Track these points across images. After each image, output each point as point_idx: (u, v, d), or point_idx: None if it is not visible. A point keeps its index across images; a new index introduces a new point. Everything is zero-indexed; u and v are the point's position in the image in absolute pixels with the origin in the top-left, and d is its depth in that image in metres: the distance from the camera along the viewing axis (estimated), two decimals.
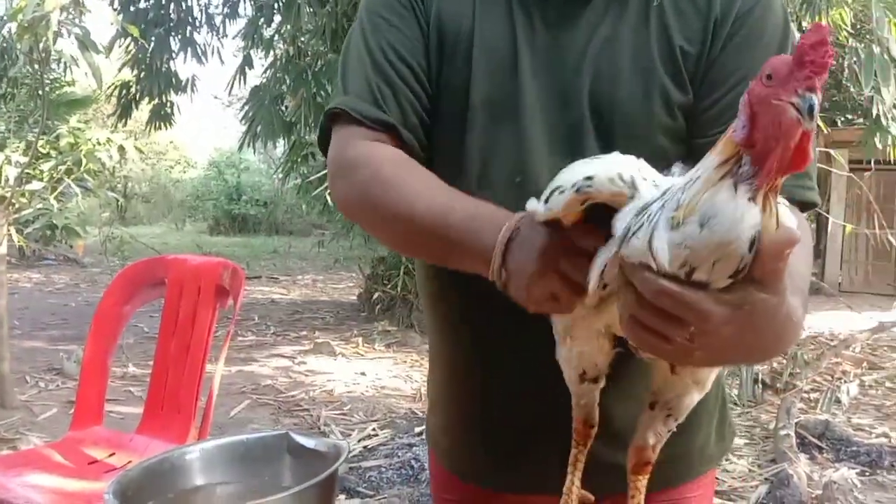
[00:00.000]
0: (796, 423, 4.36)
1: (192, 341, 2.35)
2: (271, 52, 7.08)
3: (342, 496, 3.40)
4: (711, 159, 0.67)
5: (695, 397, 0.87)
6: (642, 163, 0.80)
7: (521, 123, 1.00)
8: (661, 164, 0.98)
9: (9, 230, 4.15)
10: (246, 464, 1.17)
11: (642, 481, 0.94)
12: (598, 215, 0.78)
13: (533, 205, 0.82)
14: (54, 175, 5.03)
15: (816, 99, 0.60)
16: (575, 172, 0.79)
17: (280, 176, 8.29)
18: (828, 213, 7.70)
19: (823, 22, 4.99)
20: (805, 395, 5.16)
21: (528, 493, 1.09)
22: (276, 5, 7.24)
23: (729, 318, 0.67)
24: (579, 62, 1.00)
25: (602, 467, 0.99)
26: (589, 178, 0.76)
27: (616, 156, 0.80)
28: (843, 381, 5.55)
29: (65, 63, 7.37)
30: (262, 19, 7.46)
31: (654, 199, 0.72)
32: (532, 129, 1.00)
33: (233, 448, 1.20)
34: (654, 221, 0.68)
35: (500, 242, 0.82)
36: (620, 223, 0.74)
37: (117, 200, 12.58)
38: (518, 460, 1.09)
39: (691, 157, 0.89)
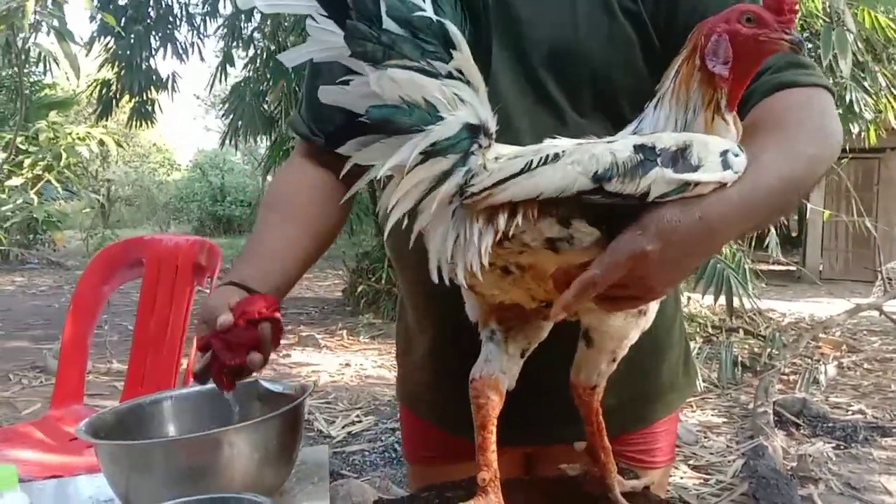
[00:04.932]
0: (774, 402, 4.42)
1: (171, 319, 2.37)
2: (251, 48, 7.09)
3: None
4: (695, 106, 0.79)
5: (638, 331, 0.90)
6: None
7: (490, 73, 1.02)
8: (622, 102, 1.02)
9: None
10: (216, 410, 1.20)
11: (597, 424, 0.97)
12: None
13: None
14: (33, 171, 5.02)
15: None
16: None
17: (262, 173, 8.29)
18: (807, 200, 7.79)
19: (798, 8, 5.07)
20: (784, 377, 5.24)
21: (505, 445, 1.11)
22: None
23: (661, 246, 0.71)
24: (537, 12, 1.02)
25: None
26: None
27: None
28: (821, 362, 5.63)
29: (45, 65, 7.34)
30: (241, 16, 7.46)
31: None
32: (498, 77, 1.02)
33: (204, 395, 1.24)
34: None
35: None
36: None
37: (100, 203, 12.49)
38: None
39: None
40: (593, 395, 0.94)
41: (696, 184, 0.72)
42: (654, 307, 0.88)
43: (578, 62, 1.01)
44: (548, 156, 0.72)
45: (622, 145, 0.73)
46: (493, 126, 0.77)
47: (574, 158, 0.72)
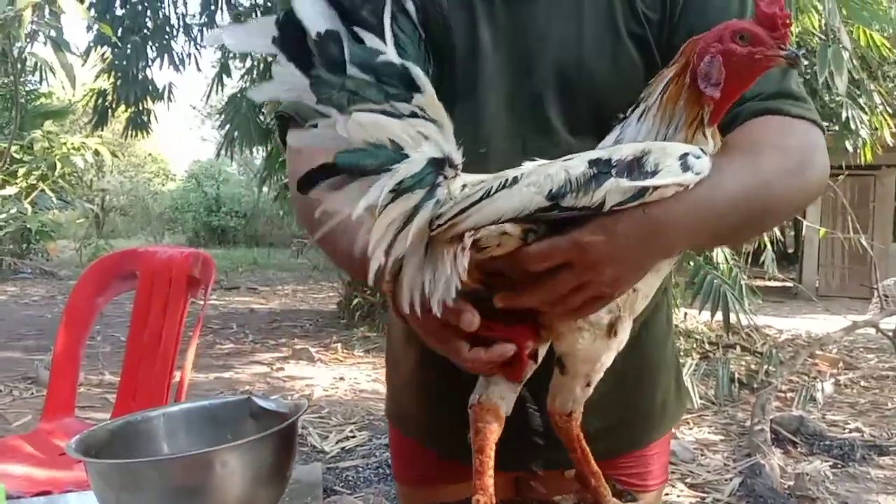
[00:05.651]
0: (771, 420, 4.41)
1: (164, 332, 2.35)
2: (248, 59, 7.10)
3: None
4: (678, 123, 0.79)
5: (611, 354, 0.88)
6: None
7: (479, 97, 1.03)
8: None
9: None
10: (209, 427, 1.18)
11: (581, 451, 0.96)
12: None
13: None
14: (28, 180, 5.00)
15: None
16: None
17: (258, 184, 8.28)
18: (803, 217, 7.81)
19: (794, 26, 5.09)
20: (781, 394, 5.22)
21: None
22: (253, 14, 7.26)
23: (604, 238, 0.73)
24: (545, 30, 1.03)
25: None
26: None
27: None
28: (818, 380, 5.62)
29: (41, 74, 7.33)
30: None
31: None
32: (491, 101, 1.03)
33: (196, 412, 1.22)
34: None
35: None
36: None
37: (94, 213, 12.47)
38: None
39: None
40: (570, 421, 0.93)
41: (655, 189, 0.73)
42: (625, 327, 0.87)
43: (581, 81, 1.02)
44: (507, 180, 0.74)
45: (578, 161, 0.74)
46: (457, 158, 0.78)
47: (530, 180, 0.74)
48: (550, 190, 0.72)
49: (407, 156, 0.73)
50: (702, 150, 0.77)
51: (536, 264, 0.74)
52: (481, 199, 0.73)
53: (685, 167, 0.74)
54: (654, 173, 0.73)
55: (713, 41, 0.79)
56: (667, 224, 0.75)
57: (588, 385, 0.90)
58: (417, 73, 0.74)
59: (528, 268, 0.75)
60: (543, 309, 0.79)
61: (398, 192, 0.72)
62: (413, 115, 0.74)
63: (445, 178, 0.76)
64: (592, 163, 0.73)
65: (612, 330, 0.85)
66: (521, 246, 0.74)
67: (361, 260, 0.83)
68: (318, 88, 0.72)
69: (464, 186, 0.77)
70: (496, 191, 0.74)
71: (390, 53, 0.74)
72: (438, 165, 0.75)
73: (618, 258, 0.74)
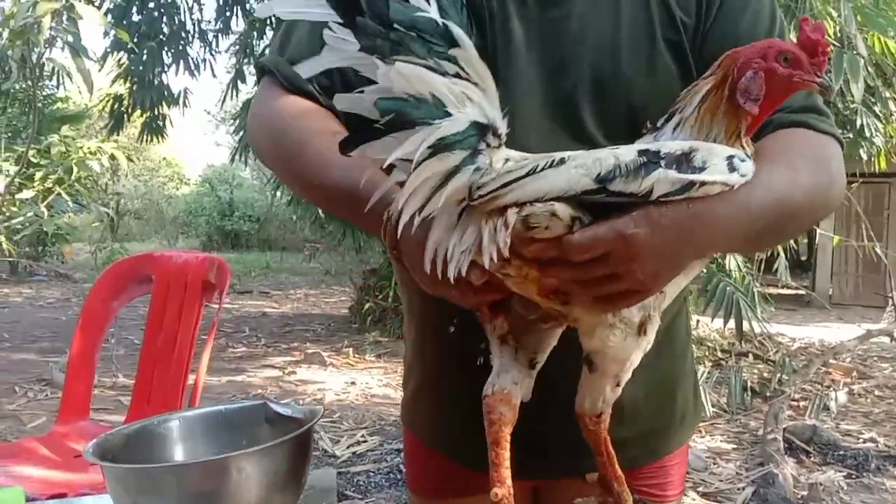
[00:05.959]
0: (784, 429, 4.38)
1: (179, 336, 2.37)
2: None
3: None
4: (716, 136, 0.81)
5: (639, 353, 0.87)
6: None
7: (512, 97, 1.01)
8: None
9: None
10: (224, 432, 1.19)
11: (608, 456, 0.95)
12: None
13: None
14: (44, 184, 5.05)
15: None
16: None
17: (272, 188, 8.31)
18: (817, 225, 7.76)
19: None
20: (794, 403, 5.19)
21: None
22: (268, 20, 7.31)
23: (649, 230, 0.72)
24: (580, 34, 1.02)
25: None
26: None
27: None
28: (832, 388, 5.58)
29: (58, 79, 7.41)
30: (254, 33, 7.52)
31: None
32: (525, 100, 1.02)
33: (212, 417, 1.22)
34: None
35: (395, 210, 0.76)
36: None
37: (109, 216, 12.56)
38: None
39: None
40: (599, 423, 0.92)
41: (702, 184, 0.73)
42: (654, 326, 0.86)
43: (616, 86, 1.01)
44: (553, 160, 0.74)
45: (626, 150, 0.75)
46: (502, 128, 0.77)
47: (578, 162, 0.73)
48: (599, 173, 0.72)
49: (449, 114, 0.72)
50: (746, 154, 0.79)
51: (578, 254, 0.72)
52: (526, 174, 0.73)
53: (731, 168, 0.75)
54: (702, 169, 0.74)
55: (756, 57, 0.80)
56: (709, 222, 0.75)
57: (617, 385, 0.89)
58: (459, 33, 0.73)
59: (569, 257, 0.73)
60: (572, 290, 0.76)
61: (437, 148, 0.70)
62: (457, 75, 0.73)
63: (488, 145, 0.74)
64: (641, 152, 0.74)
65: (642, 328, 0.84)
66: (565, 234, 0.73)
67: (350, 193, 0.83)
68: (362, 37, 0.71)
69: (506, 160, 0.75)
70: (542, 169, 0.73)
71: (433, 12, 0.73)
72: (482, 130, 0.74)
73: (659, 253, 0.73)
